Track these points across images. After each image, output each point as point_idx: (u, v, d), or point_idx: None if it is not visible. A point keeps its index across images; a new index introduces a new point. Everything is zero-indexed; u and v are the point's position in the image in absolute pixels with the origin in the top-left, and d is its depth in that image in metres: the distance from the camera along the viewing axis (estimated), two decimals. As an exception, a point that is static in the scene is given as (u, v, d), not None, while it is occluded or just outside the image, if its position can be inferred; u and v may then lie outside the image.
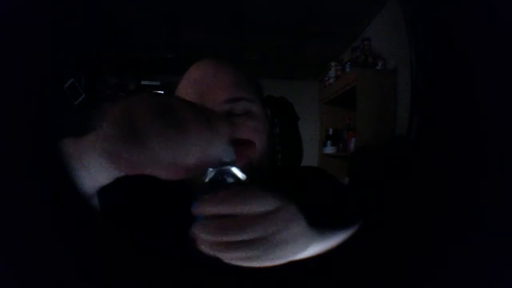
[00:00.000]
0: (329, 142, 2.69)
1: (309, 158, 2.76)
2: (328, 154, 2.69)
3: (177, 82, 0.59)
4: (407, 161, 0.43)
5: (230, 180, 0.33)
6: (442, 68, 0.46)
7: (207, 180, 0.33)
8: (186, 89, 0.52)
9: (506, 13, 0.35)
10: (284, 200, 0.32)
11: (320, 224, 0.37)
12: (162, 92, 3.33)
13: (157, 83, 3.42)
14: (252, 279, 0.50)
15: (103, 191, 0.56)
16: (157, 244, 0.55)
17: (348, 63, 2.26)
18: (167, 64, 3.17)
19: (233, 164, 0.33)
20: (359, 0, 2.00)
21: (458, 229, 0.37)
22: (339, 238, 0.43)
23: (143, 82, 3.43)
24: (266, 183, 0.59)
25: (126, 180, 0.45)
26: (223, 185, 0.33)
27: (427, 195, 0.41)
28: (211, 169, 0.33)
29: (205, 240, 0.30)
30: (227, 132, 0.31)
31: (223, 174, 0.33)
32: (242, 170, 0.34)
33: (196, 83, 0.51)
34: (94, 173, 0.33)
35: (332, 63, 2.47)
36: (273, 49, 2.72)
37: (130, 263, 0.49)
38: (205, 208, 0.30)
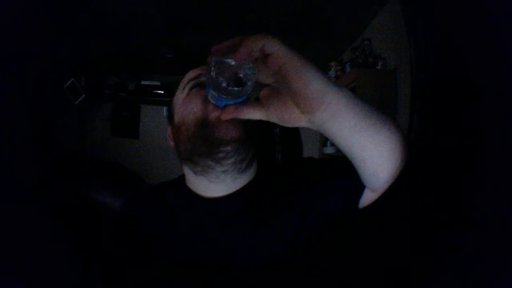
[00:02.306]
0: (329, 142, 2.69)
1: (309, 158, 2.75)
2: (328, 154, 2.69)
3: (177, 82, 0.60)
4: (407, 161, 0.43)
5: None
6: (442, 68, 0.46)
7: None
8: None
9: (505, 13, 0.35)
10: None
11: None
12: (162, 92, 3.33)
13: (157, 83, 3.42)
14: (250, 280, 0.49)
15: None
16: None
17: (348, 63, 2.25)
18: (167, 64, 3.16)
19: None
20: (359, 0, 1.99)
21: (458, 229, 0.37)
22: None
23: (143, 82, 3.43)
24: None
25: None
26: None
27: (427, 194, 0.41)
28: None
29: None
30: None
31: None
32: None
33: None
34: None
35: (332, 63, 2.46)
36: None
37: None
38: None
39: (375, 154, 0.42)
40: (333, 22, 2.23)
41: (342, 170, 0.51)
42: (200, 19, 2.24)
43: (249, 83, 0.40)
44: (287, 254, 0.51)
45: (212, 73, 0.40)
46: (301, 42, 2.55)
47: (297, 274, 0.51)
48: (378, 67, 2.02)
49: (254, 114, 0.43)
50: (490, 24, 0.36)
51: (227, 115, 0.43)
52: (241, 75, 0.39)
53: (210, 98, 0.44)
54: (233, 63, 0.39)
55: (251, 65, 0.39)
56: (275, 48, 0.38)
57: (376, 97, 1.92)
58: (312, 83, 0.38)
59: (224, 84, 0.40)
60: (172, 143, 0.60)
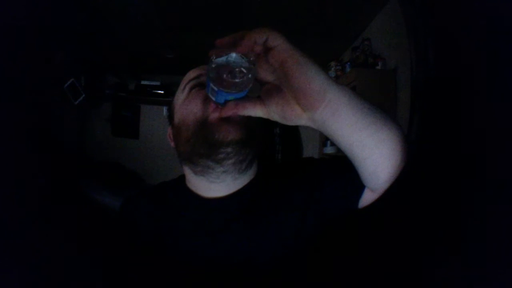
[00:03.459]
0: (329, 142, 2.69)
1: (309, 158, 2.74)
2: (328, 154, 2.69)
3: (177, 82, 0.60)
4: (407, 161, 0.43)
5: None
6: (442, 67, 0.46)
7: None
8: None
9: (505, 13, 0.35)
10: None
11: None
12: (162, 92, 3.33)
13: (157, 83, 3.42)
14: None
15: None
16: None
17: (348, 63, 2.25)
18: (167, 64, 3.16)
19: None
20: (359, 0, 1.99)
21: (458, 229, 0.37)
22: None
23: (143, 82, 3.42)
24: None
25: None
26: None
27: (427, 194, 0.41)
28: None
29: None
30: None
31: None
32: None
33: None
34: None
35: (332, 63, 2.46)
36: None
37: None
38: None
39: (375, 153, 0.42)
40: (333, 22, 2.23)
41: (341, 170, 0.51)
42: (200, 19, 2.24)
43: (249, 75, 0.40)
44: (287, 254, 0.51)
45: (213, 65, 0.40)
46: (301, 42, 2.55)
47: (297, 274, 0.51)
48: (378, 67, 2.02)
49: (255, 110, 0.43)
50: (490, 24, 0.36)
51: (227, 111, 0.42)
52: (242, 67, 0.39)
53: (210, 94, 0.43)
54: (234, 55, 0.39)
55: (252, 58, 0.39)
56: (278, 42, 0.38)
57: (376, 97, 1.92)
58: (314, 80, 0.38)
59: (224, 76, 0.40)
60: (172, 144, 0.60)
